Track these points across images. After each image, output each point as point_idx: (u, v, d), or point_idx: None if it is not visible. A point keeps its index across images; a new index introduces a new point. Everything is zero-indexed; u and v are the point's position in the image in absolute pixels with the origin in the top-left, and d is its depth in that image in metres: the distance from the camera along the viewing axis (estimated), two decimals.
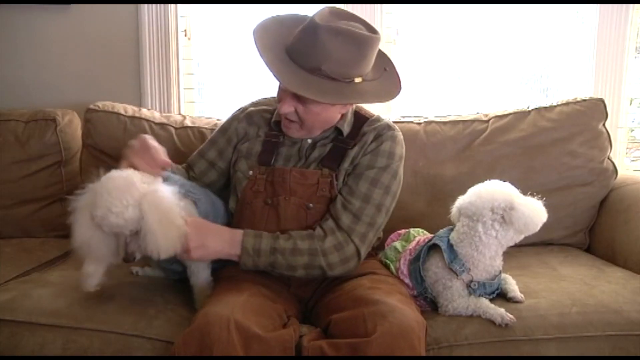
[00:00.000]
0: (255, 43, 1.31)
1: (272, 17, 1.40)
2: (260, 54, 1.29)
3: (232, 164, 1.52)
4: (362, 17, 1.39)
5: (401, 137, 1.47)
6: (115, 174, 1.23)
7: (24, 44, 2.15)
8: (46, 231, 1.95)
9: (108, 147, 1.87)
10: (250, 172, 1.44)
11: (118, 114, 1.89)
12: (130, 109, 1.93)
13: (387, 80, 1.41)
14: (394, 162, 1.41)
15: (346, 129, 1.45)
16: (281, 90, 1.36)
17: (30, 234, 1.94)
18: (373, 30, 1.34)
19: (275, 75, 1.28)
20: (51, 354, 1.24)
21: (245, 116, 1.54)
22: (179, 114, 2.12)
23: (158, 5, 2.12)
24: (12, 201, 1.93)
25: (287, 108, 1.35)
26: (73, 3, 2.11)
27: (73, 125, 2.02)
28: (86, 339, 1.22)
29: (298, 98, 1.33)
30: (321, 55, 1.27)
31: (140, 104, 2.14)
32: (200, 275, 1.38)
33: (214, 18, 2.22)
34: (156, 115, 1.94)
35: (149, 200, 1.20)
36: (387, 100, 1.41)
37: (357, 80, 1.32)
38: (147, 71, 2.16)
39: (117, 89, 2.17)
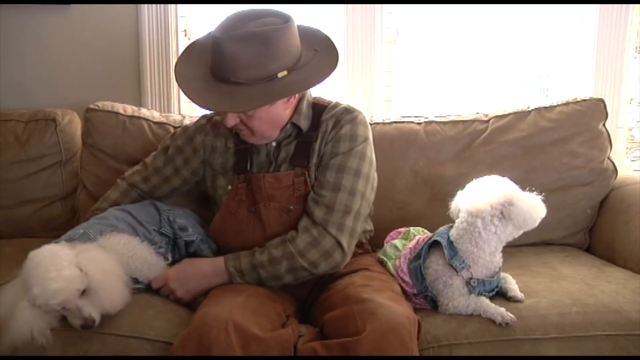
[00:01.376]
0: (176, 78, 1.34)
1: (189, 45, 1.42)
2: (177, 82, 1.32)
3: (209, 180, 1.52)
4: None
5: (363, 117, 1.43)
6: (32, 253, 1.19)
7: (24, 44, 2.15)
8: (46, 231, 1.94)
9: (107, 146, 1.87)
10: (230, 187, 1.44)
11: (117, 113, 1.89)
12: (129, 109, 1.93)
13: (321, 61, 1.36)
14: (358, 144, 1.38)
15: (304, 122, 1.42)
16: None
17: (30, 234, 1.94)
18: (285, 19, 1.30)
19: (191, 99, 1.29)
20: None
21: (211, 128, 1.53)
22: (179, 113, 2.12)
23: (158, 5, 2.11)
24: (12, 201, 1.92)
25: (232, 121, 1.34)
26: (73, 3, 2.11)
27: (73, 125, 2.01)
28: (85, 341, 1.21)
29: None
30: (232, 65, 1.26)
31: (140, 104, 2.14)
32: None
33: (214, 18, 2.22)
34: (155, 115, 1.94)
35: (85, 257, 1.19)
36: (319, 82, 1.34)
37: (281, 74, 1.29)
38: (147, 71, 2.15)
39: (117, 89, 2.16)
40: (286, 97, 1.34)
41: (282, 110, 1.38)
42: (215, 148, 1.51)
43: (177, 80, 1.34)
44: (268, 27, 1.27)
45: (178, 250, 1.49)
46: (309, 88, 1.38)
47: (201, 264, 1.38)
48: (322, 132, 1.41)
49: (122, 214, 1.44)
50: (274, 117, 1.38)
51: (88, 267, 1.18)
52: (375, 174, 1.45)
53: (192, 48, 1.41)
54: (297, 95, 1.39)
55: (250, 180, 1.41)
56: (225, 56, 1.26)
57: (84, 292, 1.17)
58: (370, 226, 1.58)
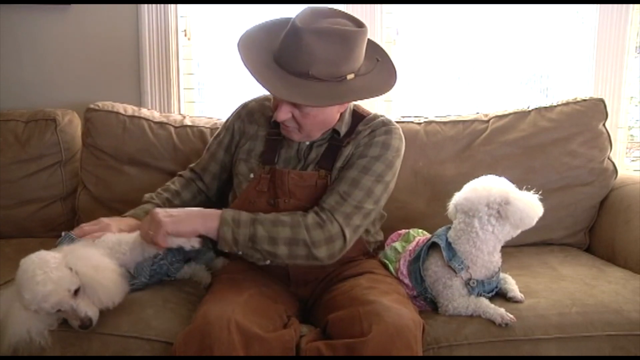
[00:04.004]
0: (240, 55, 1.29)
1: (256, 25, 1.38)
2: (245, 65, 1.27)
3: (233, 166, 1.52)
4: (362, 17, 1.35)
5: (399, 131, 1.43)
6: (22, 260, 1.18)
7: (24, 44, 2.15)
8: (46, 231, 1.95)
9: (108, 146, 1.87)
10: (252, 175, 1.43)
11: (117, 113, 1.90)
12: (130, 109, 1.93)
13: (381, 71, 1.37)
14: (389, 153, 1.37)
15: (344, 129, 1.42)
16: (276, 98, 1.34)
17: (30, 234, 1.94)
18: (359, 24, 1.30)
19: (263, 85, 1.25)
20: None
21: (246, 113, 1.53)
22: (179, 113, 2.13)
23: (158, 5, 2.12)
24: (12, 201, 1.92)
25: (284, 115, 1.32)
26: (73, 3, 2.11)
27: (73, 125, 2.01)
28: (85, 342, 1.22)
29: (293, 103, 1.30)
30: (308, 58, 1.24)
31: (140, 104, 2.14)
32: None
33: (214, 18, 2.22)
34: (155, 115, 1.94)
35: (74, 257, 1.19)
36: (384, 93, 1.36)
37: (350, 77, 1.29)
38: (147, 71, 2.16)
39: (117, 88, 2.17)
40: (352, 101, 1.35)
41: (335, 113, 1.38)
42: (246, 134, 1.50)
43: (245, 64, 1.27)
44: (348, 27, 1.27)
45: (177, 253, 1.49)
46: (374, 96, 1.36)
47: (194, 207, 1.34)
48: (355, 141, 1.40)
49: None
50: (327, 118, 1.37)
51: (78, 265, 1.18)
52: (393, 185, 1.43)
53: (250, 33, 1.36)
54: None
55: (275, 174, 1.40)
56: (302, 48, 1.23)
57: (77, 292, 1.17)
58: (380, 236, 1.56)
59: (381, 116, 1.46)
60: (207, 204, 1.57)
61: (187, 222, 1.27)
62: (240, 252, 1.29)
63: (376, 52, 1.40)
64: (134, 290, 1.32)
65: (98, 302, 1.19)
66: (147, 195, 1.53)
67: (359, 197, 1.32)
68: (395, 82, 1.37)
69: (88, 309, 1.17)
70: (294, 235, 1.27)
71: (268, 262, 1.32)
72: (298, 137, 1.41)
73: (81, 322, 1.17)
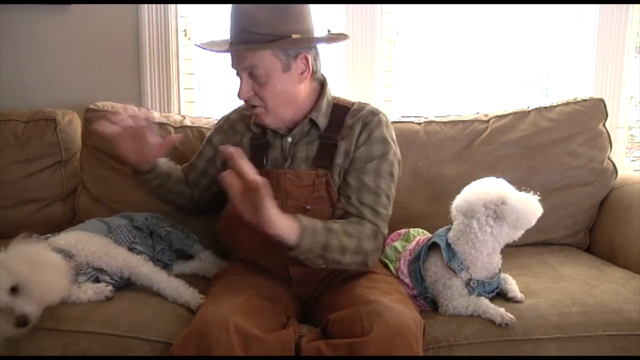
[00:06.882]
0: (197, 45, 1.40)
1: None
2: (198, 45, 1.39)
3: None
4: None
5: (387, 118, 1.45)
6: None
7: (24, 44, 2.15)
8: (46, 231, 1.89)
9: (107, 146, 1.86)
10: None
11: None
12: (129, 109, 1.93)
13: (332, 35, 1.42)
14: (391, 147, 1.41)
15: (322, 120, 1.42)
16: (240, 80, 1.36)
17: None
18: None
19: (204, 46, 1.35)
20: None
21: (229, 126, 1.55)
22: (179, 114, 2.13)
23: (158, 5, 2.11)
24: (12, 201, 1.92)
25: (246, 92, 1.35)
26: (73, 3, 2.11)
27: (73, 125, 2.01)
28: (85, 342, 1.22)
29: (251, 77, 1.33)
30: (248, 19, 1.30)
31: (140, 104, 2.14)
32: (169, 286, 1.36)
33: (214, 18, 2.22)
34: (155, 115, 1.94)
35: (10, 255, 1.18)
36: (325, 42, 1.42)
37: (295, 36, 1.31)
38: (147, 71, 2.16)
39: (117, 89, 2.16)
40: (290, 47, 1.33)
41: (296, 83, 1.37)
42: (231, 145, 1.51)
43: (198, 44, 1.39)
44: None
45: (158, 242, 1.53)
46: (315, 44, 1.39)
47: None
48: (348, 135, 1.40)
49: (94, 221, 1.49)
50: (288, 89, 1.36)
51: (11, 264, 1.16)
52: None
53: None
54: (310, 70, 1.37)
55: (268, 176, 1.37)
56: (241, 14, 1.31)
57: (16, 291, 1.15)
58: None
59: (366, 104, 1.46)
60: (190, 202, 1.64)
61: (277, 228, 1.16)
62: (302, 257, 1.23)
63: (329, 27, 1.45)
64: (118, 288, 1.34)
65: (38, 300, 1.18)
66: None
67: (383, 203, 1.37)
68: (343, 39, 1.44)
69: (26, 306, 1.15)
70: (360, 245, 1.29)
71: (323, 265, 1.28)
72: (270, 120, 1.40)
73: (17, 320, 1.14)
